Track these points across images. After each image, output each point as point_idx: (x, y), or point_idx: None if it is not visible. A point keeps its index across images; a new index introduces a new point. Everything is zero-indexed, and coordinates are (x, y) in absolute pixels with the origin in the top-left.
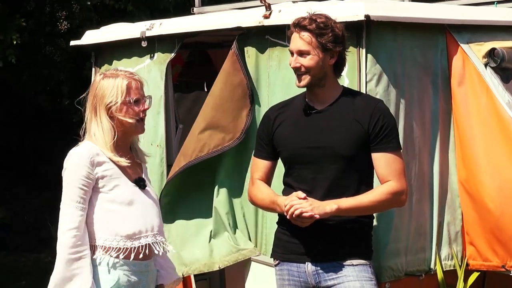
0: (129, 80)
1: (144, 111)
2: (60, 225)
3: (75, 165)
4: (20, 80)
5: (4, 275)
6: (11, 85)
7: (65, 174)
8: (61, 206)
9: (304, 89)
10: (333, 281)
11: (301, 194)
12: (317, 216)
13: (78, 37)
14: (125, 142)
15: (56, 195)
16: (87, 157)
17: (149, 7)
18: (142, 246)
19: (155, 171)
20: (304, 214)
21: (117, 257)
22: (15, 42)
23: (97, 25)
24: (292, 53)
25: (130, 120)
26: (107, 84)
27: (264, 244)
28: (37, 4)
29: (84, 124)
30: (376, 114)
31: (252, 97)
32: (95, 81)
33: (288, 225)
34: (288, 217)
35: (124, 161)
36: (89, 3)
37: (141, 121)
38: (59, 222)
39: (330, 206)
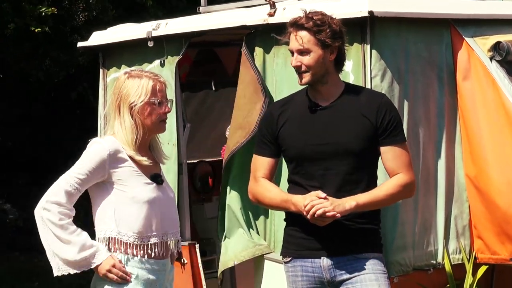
0: (154, 82)
1: (166, 113)
2: (51, 195)
3: (95, 152)
4: (40, 68)
5: (17, 276)
6: (26, 82)
7: (83, 155)
8: (60, 177)
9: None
10: (349, 275)
11: (321, 193)
12: (339, 215)
13: (97, 28)
14: (145, 141)
15: None
16: (107, 150)
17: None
18: (156, 243)
19: (171, 169)
20: (327, 214)
21: (136, 254)
22: (43, 13)
23: (113, 19)
24: (292, 53)
25: (152, 121)
26: (132, 84)
27: (273, 241)
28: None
29: (103, 121)
30: (383, 108)
31: (265, 90)
32: (120, 79)
33: (299, 222)
34: (308, 217)
35: (145, 161)
36: None
37: (162, 121)
38: (50, 190)
39: (349, 203)
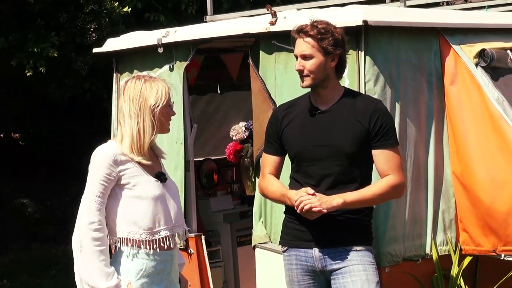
0: (167, 86)
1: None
2: (81, 218)
3: (100, 163)
4: (47, 89)
5: (37, 264)
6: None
7: (91, 169)
8: (82, 199)
9: (308, 90)
10: (339, 265)
11: (310, 190)
12: (325, 211)
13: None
14: (152, 142)
15: (82, 192)
16: (112, 156)
17: (175, 16)
18: (166, 237)
19: (180, 166)
20: (313, 209)
21: (138, 248)
22: (52, 56)
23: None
24: (296, 57)
25: (166, 122)
26: (151, 87)
27: (273, 233)
28: (70, 17)
29: (116, 122)
30: (376, 114)
31: (271, 98)
32: (134, 84)
33: (296, 215)
34: (298, 211)
35: (145, 161)
36: (120, 12)
37: (169, 123)
38: (80, 214)
39: (336, 200)
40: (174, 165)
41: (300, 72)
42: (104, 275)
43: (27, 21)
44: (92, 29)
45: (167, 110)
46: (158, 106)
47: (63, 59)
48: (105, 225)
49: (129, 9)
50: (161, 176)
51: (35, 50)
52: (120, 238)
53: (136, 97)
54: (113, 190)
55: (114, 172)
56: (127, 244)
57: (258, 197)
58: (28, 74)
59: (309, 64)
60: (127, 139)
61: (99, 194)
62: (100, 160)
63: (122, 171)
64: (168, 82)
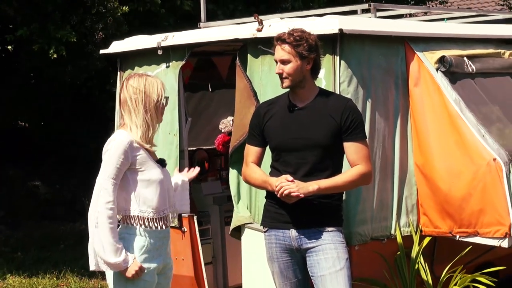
0: (161, 82)
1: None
2: (99, 198)
3: (116, 149)
4: (64, 72)
5: (47, 240)
6: (57, 81)
7: (107, 154)
8: (98, 180)
9: (288, 89)
10: (313, 244)
11: (289, 177)
12: (302, 196)
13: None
14: None
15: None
16: (127, 143)
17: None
18: (164, 217)
19: (172, 155)
20: (292, 194)
21: (148, 225)
22: (72, 40)
23: (127, 34)
24: (276, 62)
25: (162, 113)
26: (152, 85)
27: (257, 214)
28: (80, 19)
29: (120, 117)
30: (347, 110)
31: (256, 96)
32: (138, 81)
33: (276, 199)
34: (278, 195)
35: (151, 148)
36: (121, 11)
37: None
38: (96, 194)
39: (312, 186)
40: (167, 154)
41: (280, 75)
42: (114, 250)
43: (44, 17)
44: (99, 28)
45: (164, 103)
46: (160, 100)
47: (78, 46)
48: (116, 205)
49: (127, 9)
50: (163, 162)
51: (56, 35)
52: (130, 216)
53: (141, 93)
54: (125, 173)
55: (128, 157)
56: (132, 223)
57: (234, 182)
58: (52, 57)
59: (288, 68)
60: (139, 130)
61: (114, 176)
62: (116, 146)
63: (135, 157)
64: (164, 81)
